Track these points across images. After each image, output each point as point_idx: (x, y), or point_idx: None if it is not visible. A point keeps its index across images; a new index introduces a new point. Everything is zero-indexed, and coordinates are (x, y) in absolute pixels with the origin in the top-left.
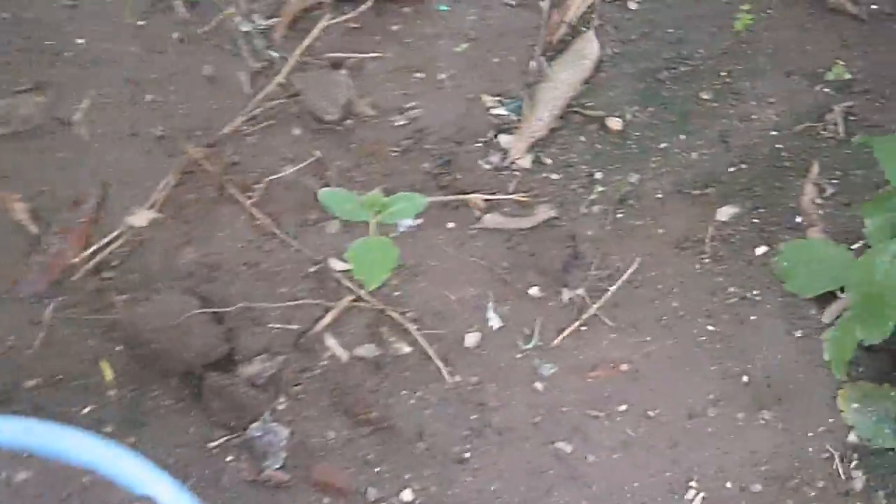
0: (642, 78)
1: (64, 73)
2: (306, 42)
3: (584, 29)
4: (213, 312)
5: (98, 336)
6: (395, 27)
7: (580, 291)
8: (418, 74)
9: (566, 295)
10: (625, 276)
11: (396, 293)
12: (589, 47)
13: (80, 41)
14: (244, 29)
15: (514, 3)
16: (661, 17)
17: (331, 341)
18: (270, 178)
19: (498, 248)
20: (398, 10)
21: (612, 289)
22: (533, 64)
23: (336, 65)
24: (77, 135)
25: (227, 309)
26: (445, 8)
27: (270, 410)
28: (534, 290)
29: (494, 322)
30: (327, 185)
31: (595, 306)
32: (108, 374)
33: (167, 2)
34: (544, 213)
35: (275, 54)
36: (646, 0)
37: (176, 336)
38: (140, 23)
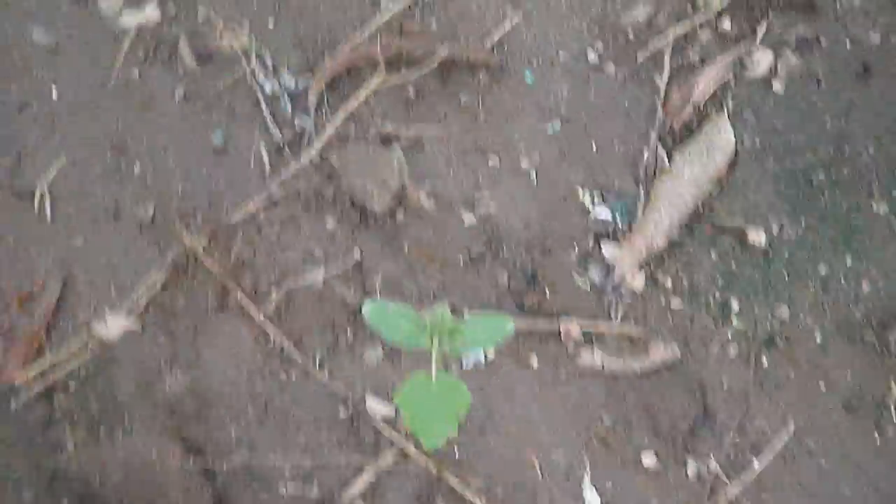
0: (792, 180)
1: (30, 131)
2: (350, 106)
3: (714, 113)
4: (202, 467)
5: (38, 488)
6: (464, 98)
7: (712, 465)
8: (493, 159)
9: (692, 468)
10: (775, 447)
11: (458, 452)
12: (722, 137)
13: (53, 91)
14: (268, 89)
15: (622, 75)
16: (815, 102)
17: None
18: (292, 284)
19: (599, 396)
20: (469, 78)
21: (758, 465)
22: (647, 155)
23: (386, 141)
24: (38, 211)
25: (222, 463)
26: (532, 79)
27: None
28: (647, 459)
29: (593, 500)
30: (369, 298)
31: (733, 488)
32: None
33: (171, 49)
34: (662, 352)
35: (307, 124)
36: (795, 81)
37: (147, 496)
38: (135, 75)
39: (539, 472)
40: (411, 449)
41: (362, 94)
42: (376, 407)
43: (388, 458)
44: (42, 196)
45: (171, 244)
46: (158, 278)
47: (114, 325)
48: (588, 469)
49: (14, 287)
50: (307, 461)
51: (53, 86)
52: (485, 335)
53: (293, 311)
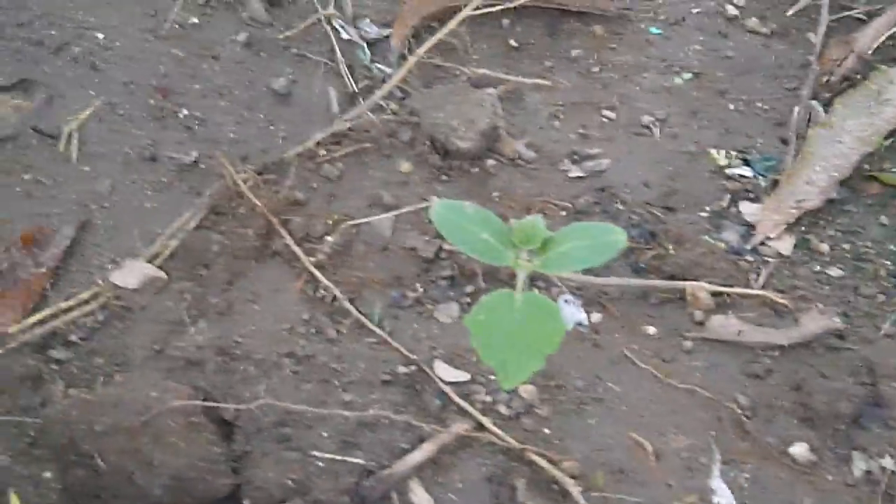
0: None
1: (64, 74)
2: (435, 37)
3: (884, 65)
4: (220, 418)
5: (17, 451)
6: (576, 51)
7: (885, 463)
8: (608, 113)
9: (858, 464)
10: None
11: (546, 429)
12: (893, 88)
13: (98, 35)
14: (346, 37)
15: (766, 31)
16: None
17: (421, 495)
18: (351, 223)
19: (733, 372)
20: (582, 28)
21: None
22: (798, 109)
23: (479, 86)
24: (61, 152)
25: (240, 406)
26: (657, 31)
27: None
28: (797, 450)
29: (724, 497)
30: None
31: None
32: None
33: None
34: (818, 322)
35: (387, 70)
36: None
37: (145, 446)
38: (193, 20)
39: (653, 459)
40: (485, 420)
41: (451, 25)
42: (446, 373)
43: (455, 430)
44: (69, 135)
45: (211, 184)
46: (192, 219)
47: (134, 273)
48: (718, 459)
49: (28, 229)
50: (351, 422)
51: (97, 30)
52: (587, 249)
53: (351, 259)
